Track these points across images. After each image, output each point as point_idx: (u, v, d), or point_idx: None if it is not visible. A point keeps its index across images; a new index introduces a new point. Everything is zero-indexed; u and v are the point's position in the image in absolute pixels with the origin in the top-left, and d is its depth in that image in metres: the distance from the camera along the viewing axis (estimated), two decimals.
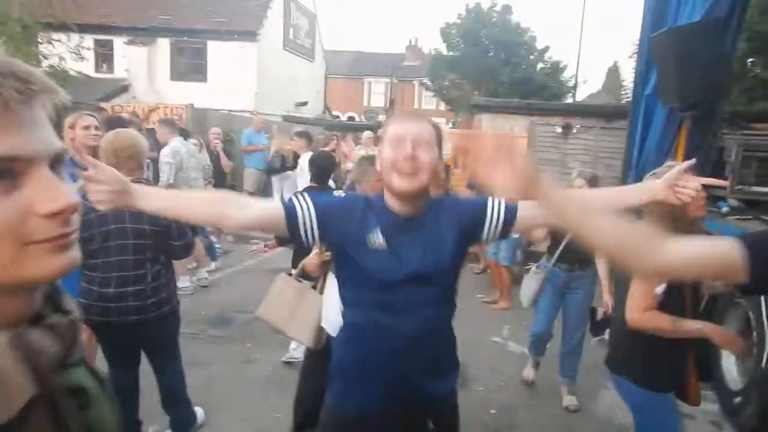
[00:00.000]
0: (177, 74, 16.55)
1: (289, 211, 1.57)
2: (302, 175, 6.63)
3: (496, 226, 1.61)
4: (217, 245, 6.76)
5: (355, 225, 1.58)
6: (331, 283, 2.46)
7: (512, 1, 26.84)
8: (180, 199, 1.63)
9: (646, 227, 1.23)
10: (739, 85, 11.87)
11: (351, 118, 27.71)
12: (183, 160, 5.64)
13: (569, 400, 3.83)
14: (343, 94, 33.07)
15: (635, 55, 5.71)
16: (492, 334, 5.02)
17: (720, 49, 3.68)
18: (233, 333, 4.68)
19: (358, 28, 78.49)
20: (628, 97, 18.54)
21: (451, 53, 21.53)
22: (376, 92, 35.42)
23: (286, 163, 8.08)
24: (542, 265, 3.97)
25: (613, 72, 29.81)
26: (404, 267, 1.55)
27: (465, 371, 4.16)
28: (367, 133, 9.73)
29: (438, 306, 1.63)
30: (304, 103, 18.33)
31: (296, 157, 7.58)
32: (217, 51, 16.28)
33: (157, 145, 5.88)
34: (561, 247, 3.69)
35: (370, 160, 2.45)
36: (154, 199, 1.50)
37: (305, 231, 1.57)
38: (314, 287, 2.75)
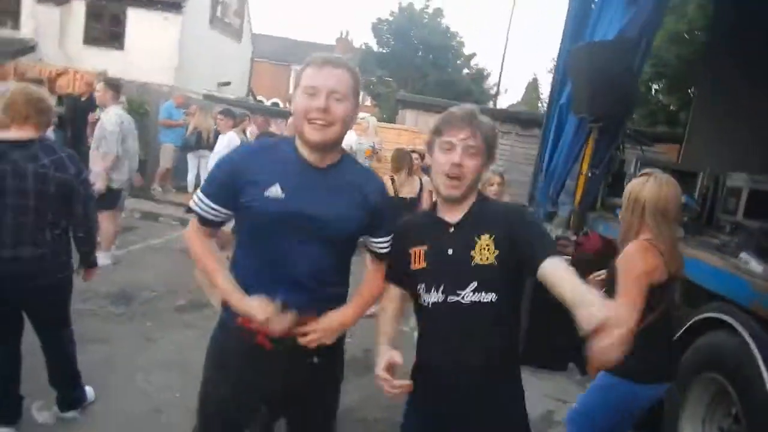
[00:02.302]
0: (91, 39, 15.41)
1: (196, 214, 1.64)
2: (215, 158, 6.41)
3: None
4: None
5: (246, 176, 1.56)
6: None
7: (443, 5, 27.36)
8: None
9: None
10: (643, 109, 12.91)
11: (275, 104, 27.09)
12: (125, 129, 5.27)
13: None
14: (269, 80, 32.33)
15: (553, 70, 6.04)
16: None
17: (628, 65, 3.96)
18: (133, 311, 4.45)
19: (288, 14, 77.07)
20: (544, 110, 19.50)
21: (381, 50, 21.67)
22: None
23: (202, 141, 7.82)
24: None
25: (532, 86, 31.07)
26: (300, 209, 1.54)
27: (371, 358, 4.21)
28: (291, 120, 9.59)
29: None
30: (227, 83, 17.64)
31: (216, 135, 7.33)
32: (137, 19, 15.33)
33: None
34: None
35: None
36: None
37: (210, 215, 1.62)
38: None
